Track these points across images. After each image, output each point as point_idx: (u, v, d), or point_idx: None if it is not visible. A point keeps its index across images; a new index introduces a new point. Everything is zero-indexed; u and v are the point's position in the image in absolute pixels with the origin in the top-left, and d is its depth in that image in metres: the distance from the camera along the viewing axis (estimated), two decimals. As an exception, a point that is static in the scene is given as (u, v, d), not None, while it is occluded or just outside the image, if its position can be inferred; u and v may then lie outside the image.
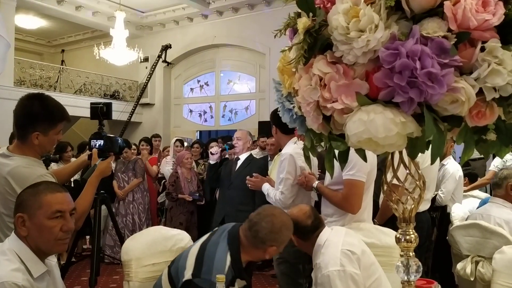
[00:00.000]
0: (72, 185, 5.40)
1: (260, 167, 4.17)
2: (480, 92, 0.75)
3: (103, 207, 2.63)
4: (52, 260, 1.78)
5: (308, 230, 2.04)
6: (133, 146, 6.32)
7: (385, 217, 2.78)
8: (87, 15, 12.42)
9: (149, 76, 12.31)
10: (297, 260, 2.76)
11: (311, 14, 0.83)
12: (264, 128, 9.33)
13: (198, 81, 13.40)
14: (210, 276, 1.82)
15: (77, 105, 12.04)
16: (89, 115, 10.36)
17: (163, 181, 6.28)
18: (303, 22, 0.83)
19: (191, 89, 13.56)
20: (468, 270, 2.64)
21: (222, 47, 12.68)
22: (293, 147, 2.77)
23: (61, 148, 5.56)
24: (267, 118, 11.12)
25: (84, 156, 2.45)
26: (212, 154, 4.20)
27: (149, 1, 12.27)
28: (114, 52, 11.27)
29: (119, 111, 12.51)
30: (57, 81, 12.49)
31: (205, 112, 13.31)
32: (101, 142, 2.40)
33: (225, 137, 7.53)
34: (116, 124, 11.66)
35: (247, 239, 1.96)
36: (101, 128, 2.52)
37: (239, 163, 4.14)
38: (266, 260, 5.63)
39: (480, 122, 0.77)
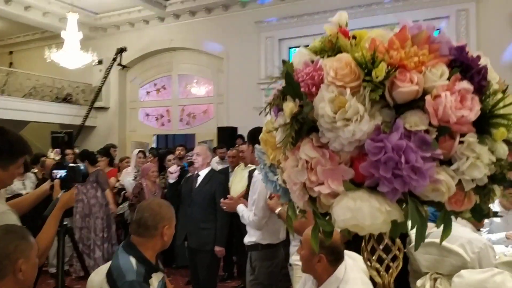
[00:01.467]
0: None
1: (221, 183, 4.17)
2: (459, 181, 0.80)
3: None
4: None
5: (341, 256, 1.99)
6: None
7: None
8: (36, 16, 11.94)
9: (103, 79, 12.02)
10: (271, 282, 2.80)
11: (297, 100, 0.85)
12: (224, 137, 9.32)
13: (155, 85, 13.19)
14: (125, 278, 1.89)
15: (27, 109, 11.57)
16: (39, 120, 10.07)
17: (123, 192, 6.15)
18: (290, 107, 0.85)
19: (148, 92, 13.33)
20: (428, 287, 2.76)
21: (179, 50, 12.54)
22: None
23: None
24: (225, 123, 11.14)
25: (45, 185, 2.37)
26: (171, 173, 4.15)
27: (102, 3, 11.95)
28: (66, 55, 10.88)
29: (72, 115, 12.14)
30: (4, 84, 11.90)
31: (162, 116, 13.12)
32: (63, 172, 2.32)
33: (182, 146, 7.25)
34: (69, 128, 11.26)
35: (141, 236, 2.03)
36: (63, 157, 2.43)
37: (199, 179, 4.08)
38: (229, 271, 5.65)
39: (459, 209, 0.82)
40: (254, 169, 4.88)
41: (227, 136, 9.39)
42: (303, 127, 0.85)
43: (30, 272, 1.61)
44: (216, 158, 6.54)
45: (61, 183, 2.30)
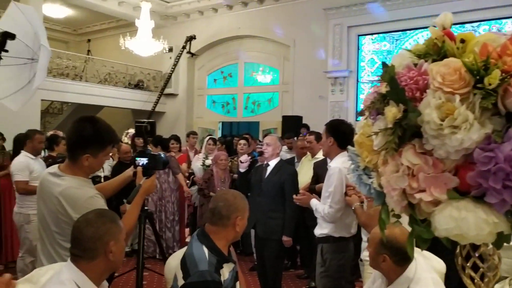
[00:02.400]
0: (103, 180, 5.50)
1: (291, 173, 4.18)
2: None
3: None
4: (104, 283, 1.85)
5: (409, 257, 1.90)
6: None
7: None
8: (113, 5, 12.51)
9: (173, 67, 12.37)
10: (340, 275, 2.81)
11: (401, 105, 0.84)
12: (288, 126, 9.31)
13: (222, 72, 13.42)
14: (197, 268, 1.95)
15: (102, 95, 12.23)
16: (113, 105, 10.60)
17: (192, 176, 6.37)
18: (393, 112, 0.84)
19: (215, 80, 13.60)
20: (506, 292, 2.63)
21: (246, 38, 12.65)
22: (342, 161, 2.85)
23: (53, 139, 5.56)
24: (290, 111, 11.12)
25: (129, 171, 2.51)
26: (241, 162, 4.20)
27: (174, -9, 12.29)
28: (139, 43, 11.34)
29: (143, 101, 12.66)
30: (83, 71, 12.64)
31: (228, 103, 13.35)
32: (145, 160, 2.45)
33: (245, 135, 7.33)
34: (140, 114, 11.79)
35: (215, 225, 2.09)
36: (146, 146, 2.56)
37: (269, 169, 4.13)
38: (292, 260, 5.70)
39: None
40: (320, 161, 4.87)
41: (291, 125, 9.37)
42: (406, 132, 0.84)
43: (119, 253, 1.73)
44: (284, 147, 6.56)
45: (143, 170, 2.43)
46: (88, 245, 1.65)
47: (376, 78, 0.94)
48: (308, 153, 5.37)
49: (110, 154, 6.57)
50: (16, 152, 5.08)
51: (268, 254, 3.95)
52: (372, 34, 10.55)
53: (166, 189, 5.81)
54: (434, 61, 0.86)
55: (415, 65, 0.89)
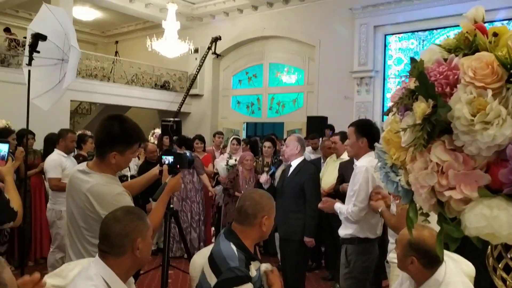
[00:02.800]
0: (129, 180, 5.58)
1: (311, 173, 4.10)
2: None
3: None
4: (130, 280, 1.88)
5: (438, 260, 1.91)
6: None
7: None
8: (140, 7, 12.70)
9: (198, 68, 12.48)
10: (365, 277, 2.77)
11: (430, 101, 0.82)
12: (313, 127, 9.26)
13: (247, 73, 13.46)
14: (228, 265, 1.96)
15: (129, 95, 12.43)
16: (139, 105, 10.74)
17: (216, 176, 6.40)
18: (422, 108, 0.82)
19: (239, 80, 13.65)
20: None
21: (271, 38, 12.65)
22: (369, 160, 2.82)
23: (81, 138, 5.59)
24: (315, 112, 11.06)
25: (155, 170, 2.54)
26: (263, 183, 4.19)
27: (200, -7, 12.39)
28: (166, 44, 11.48)
29: (169, 101, 12.81)
30: (111, 72, 12.88)
31: (252, 104, 13.38)
32: (171, 158, 2.48)
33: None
34: (166, 114, 11.93)
35: (241, 224, 2.09)
36: (172, 144, 2.59)
37: (291, 170, 4.10)
38: (317, 262, 5.65)
39: None
40: (346, 161, 4.82)
41: (316, 126, 9.32)
42: (435, 128, 0.82)
43: (146, 250, 1.75)
44: (309, 148, 6.52)
45: (168, 168, 2.45)
46: (116, 242, 1.67)
47: (404, 74, 0.93)
48: (334, 153, 5.32)
49: (137, 153, 6.69)
50: (46, 151, 5.25)
51: (289, 255, 3.93)
52: (398, 33, 10.39)
53: (191, 189, 5.85)
54: (465, 55, 0.84)
55: (445, 60, 0.87)
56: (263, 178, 4.25)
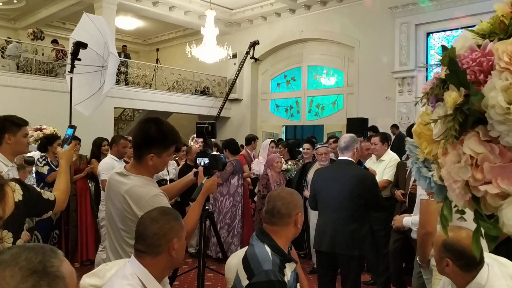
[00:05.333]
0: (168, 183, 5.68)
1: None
2: None
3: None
4: (165, 280, 1.89)
5: (476, 262, 1.83)
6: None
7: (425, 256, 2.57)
8: (179, 15, 12.96)
9: (237, 73, 12.59)
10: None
11: (462, 89, 0.77)
12: (353, 128, 9.10)
13: (285, 76, 13.44)
14: (261, 268, 1.92)
15: (170, 101, 12.69)
16: (180, 111, 10.91)
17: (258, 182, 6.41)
18: (453, 97, 0.77)
19: (278, 84, 13.64)
20: None
21: (309, 41, 12.58)
22: None
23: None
24: (355, 114, 10.88)
25: (190, 175, 2.56)
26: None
27: (237, -1, 12.51)
28: (205, 50, 11.64)
29: (209, 106, 12.97)
30: (152, 79, 13.20)
31: (291, 107, 13.33)
32: (206, 160, 2.49)
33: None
34: (206, 119, 12.07)
35: (275, 225, 2.06)
36: (206, 146, 2.60)
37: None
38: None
39: None
40: (402, 162, 4.69)
41: (357, 127, 9.15)
42: (468, 118, 0.77)
43: (181, 251, 1.76)
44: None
45: (204, 170, 2.47)
46: (152, 241, 1.69)
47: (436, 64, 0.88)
48: (373, 155, 5.20)
49: (176, 157, 6.79)
50: (93, 154, 5.48)
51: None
52: (440, 31, 10.06)
53: (239, 193, 5.94)
54: (500, 40, 0.79)
55: (479, 46, 0.82)
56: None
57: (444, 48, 0.88)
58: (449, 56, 0.81)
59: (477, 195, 0.79)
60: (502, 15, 0.81)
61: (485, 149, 0.76)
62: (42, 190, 2.33)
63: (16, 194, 2.14)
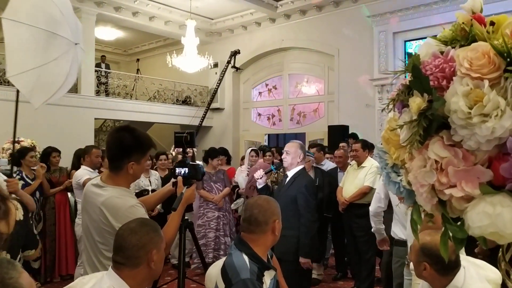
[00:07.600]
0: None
1: (307, 185, 3.69)
2: None
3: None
4: None
5: (452, 266, 1.85)
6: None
7: None
8: (159, 25, 12.93)
9: (219, 82, 12.58)
10: None
11: (425, 95, 0.78)
12: (334, 136, 9.19)
13: (266, 85, 13.49)
14: (239, 277, 1.92)
15: (151, 112, 12.60)
16: (162, 121, 10.85)
17: (237, 189, 6.38)
18: (417, 103, 0.79)
19: (260, 93, 13.69)
20: None
21: (290, 50, 12.67)
22: None
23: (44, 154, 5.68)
24: (336, 121, 10.96)
25: (168, 186, 2.55)
26: (256, 178, 3.80)
27: (218, 8, 12.52)
28: (186, 60, 11.62)
29: (191, 116, 12.92)
30: (133, 89, 13.11)
31: (273, 116, 13.37)
32: (185, 170, 2.48)
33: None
34: (188, 129, 12.01)
35: (253, 233, 2.05)
36: (185, 156, 2.59)
37: (286, 180, 3.75)
38: (343, 271, 5.51)
39: None
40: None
41: (338, 135, 9.23)
42: (432, 124, 0.79)
43: (160, 262, 1.74)
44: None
45: (183, 180, 2.45)
46: (131, 253, 1.67)
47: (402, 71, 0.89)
48: (354, 161, 5.24)
49: (156, 166, 6.73)
50: (74, 166, 5.43)
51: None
52: (418, 39, 10.25)
53: (226, 201, 6.02)
54: (461, 47, 0.81)
55: (442, 53, 0.83)
56: (258, 173, 3.83)
57: (409, 55, 0.89)
58: (412, 63, 0.83)
59: (443, 199, 0.80)
60: (463, 23, 0.83)
61: (449, 153, 0.77)
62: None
63: (18, 212, 2.09)
